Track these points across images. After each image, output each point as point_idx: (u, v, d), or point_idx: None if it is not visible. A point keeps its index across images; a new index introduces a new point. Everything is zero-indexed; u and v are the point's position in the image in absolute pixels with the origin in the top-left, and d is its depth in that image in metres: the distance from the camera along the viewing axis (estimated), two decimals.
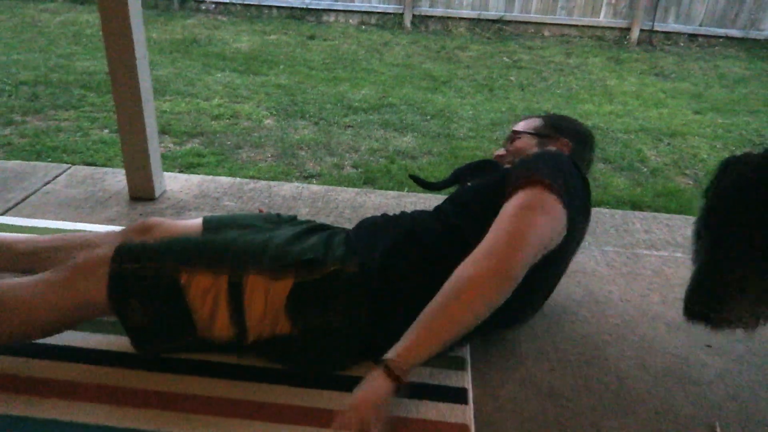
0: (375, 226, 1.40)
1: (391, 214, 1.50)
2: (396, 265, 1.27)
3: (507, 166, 1.50)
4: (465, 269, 1.16)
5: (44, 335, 1.26)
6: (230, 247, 1.26)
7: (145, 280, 1.19)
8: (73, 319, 1.24)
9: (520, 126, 1.60)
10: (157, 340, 1.25)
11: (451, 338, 1.13)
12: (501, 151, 1.59)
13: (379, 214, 1.51)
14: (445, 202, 1.44)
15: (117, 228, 1.72)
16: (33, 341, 1.29)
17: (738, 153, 1.17)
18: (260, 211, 1.70)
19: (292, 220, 1.55)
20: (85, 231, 1.80)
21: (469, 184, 1.48)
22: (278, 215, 1.57)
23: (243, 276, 1.20)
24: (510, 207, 1.22)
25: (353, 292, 1.22)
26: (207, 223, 1.52)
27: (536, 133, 1.54)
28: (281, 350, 1.25)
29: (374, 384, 1.09)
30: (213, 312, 1.20)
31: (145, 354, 1.29)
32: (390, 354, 1.11)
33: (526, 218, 1.20)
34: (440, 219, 1.36)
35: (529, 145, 1.52)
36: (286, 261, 1.22)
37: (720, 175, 1.14)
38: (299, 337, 1.21)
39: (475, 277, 1.14)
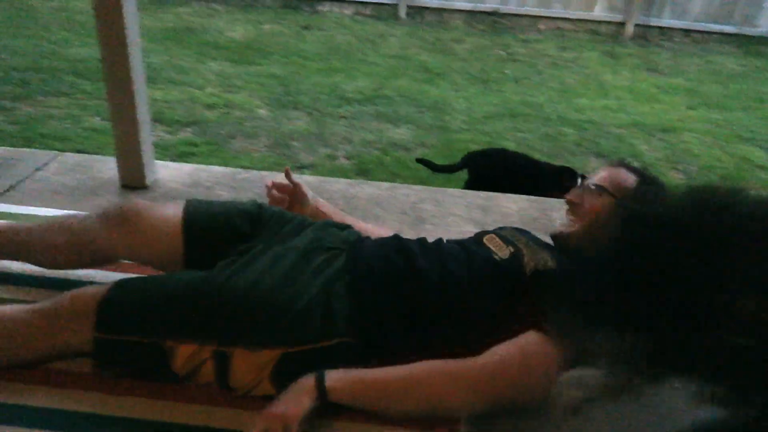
0: (387, 276, 1.27)
1: (407, 238, 1.40)
2: (402, 341, 1.22)
3: (565, 228, 1.37)
4: (438, 378, 1.13)
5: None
6: (217, 312, 1.18)
7: (129, 348, 1.17)
8: (51, 358, 1.22)
9: (606, 179, 1.36)
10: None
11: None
12: (574, 197, 1.38)
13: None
14: (479, 251, 1.33)
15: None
16: None
17: (637, 207, 1.03)
18: (267, 185, 1.59)
19: (280, 218, 1.44)
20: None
21: (520, 252, 1.31)
22: (260, 208, 1.47)
23: (229, 347, 1.15)
24: (519, 348, 1.15)
25: (348, 360, 1.17)
26: (188, 215, 1.40)
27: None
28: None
29: (299, 398, 1.07)
30: (197, 374, 1.18)
31: None
32: (328, 378, 1.10)
33: (525, 375, 1.14)
34: (470, 282, 1.27)
35: (606, 214, 1.30)
36: (275, 336, 1.16)
37: (627, 234, 0.98)
38: None
39: (441, 391, 1.13)
